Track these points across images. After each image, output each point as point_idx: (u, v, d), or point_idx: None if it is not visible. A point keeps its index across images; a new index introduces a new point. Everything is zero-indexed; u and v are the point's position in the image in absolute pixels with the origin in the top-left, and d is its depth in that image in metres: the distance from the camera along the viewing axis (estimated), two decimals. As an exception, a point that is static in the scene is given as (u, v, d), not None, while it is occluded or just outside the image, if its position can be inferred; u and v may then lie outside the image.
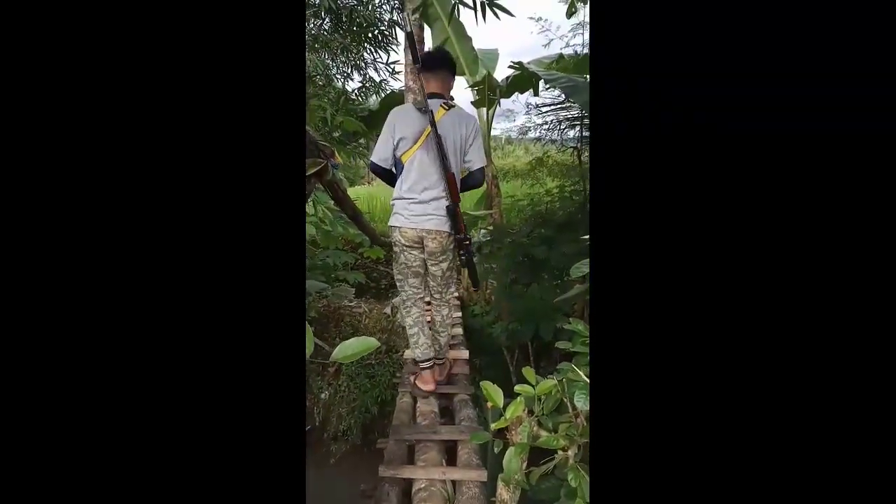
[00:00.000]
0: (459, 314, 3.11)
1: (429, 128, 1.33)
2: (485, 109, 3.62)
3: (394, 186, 1.46)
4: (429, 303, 1.65)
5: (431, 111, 1.33)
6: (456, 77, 1.54)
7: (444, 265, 1.47)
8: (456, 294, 3.63)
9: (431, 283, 1.55)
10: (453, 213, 1.38)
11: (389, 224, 1.47)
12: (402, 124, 1.38)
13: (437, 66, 1.44)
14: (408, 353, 2.04)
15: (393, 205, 1.46)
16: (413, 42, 1.53)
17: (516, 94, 3.72)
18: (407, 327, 1.62)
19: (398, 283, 1.59)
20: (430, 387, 1.65)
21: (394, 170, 1.44)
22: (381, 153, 1.40)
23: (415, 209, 1.38)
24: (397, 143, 1.38)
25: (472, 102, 3.62)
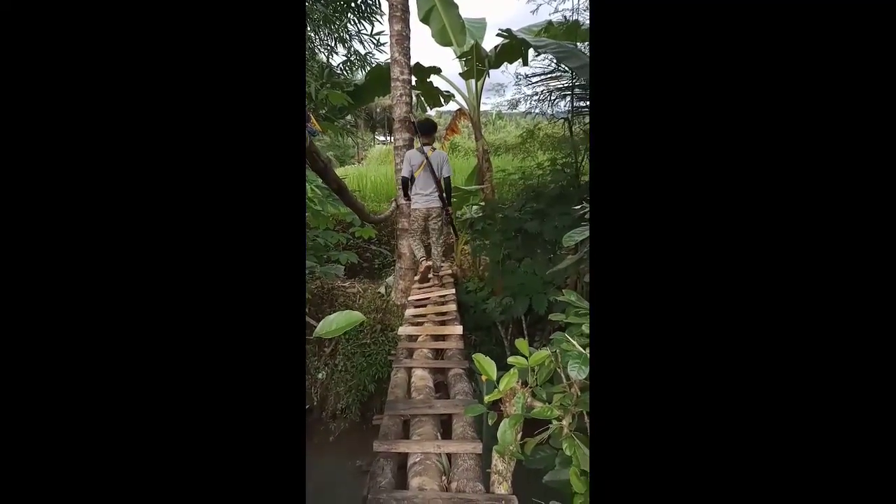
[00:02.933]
0: (453, 291, 3.10)
1: (424, 161, 2.90)
2: (473, 81, 3.51)
3: (408, 188, 3.06)
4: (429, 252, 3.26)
5: (426, 154, 2.89)
6: (435, 133, 3.20)
7: (438, 223, 3.05)
8: (450, 272, 3.64)
9: (432, 235, 3.10)
10: (441, 198, 2.95)
11: (412, 206, 3.05)
12: (412, 158, 2.92)
13: (427, 130, 2.99)
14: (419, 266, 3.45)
15: (413, 197, 3.00)
16: (412, 125, 3.16)
17: (505, 64, 3.62)
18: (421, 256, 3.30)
19: (411, 236, 3.21)
20: (427, 264, 3.12)
21: (411, 178, 3.02)
22: (405, 172, 2.94)
23: (424, 198, 2.94)
24: (411, 167, 2.92)
25: (460, 74, 3.51)
